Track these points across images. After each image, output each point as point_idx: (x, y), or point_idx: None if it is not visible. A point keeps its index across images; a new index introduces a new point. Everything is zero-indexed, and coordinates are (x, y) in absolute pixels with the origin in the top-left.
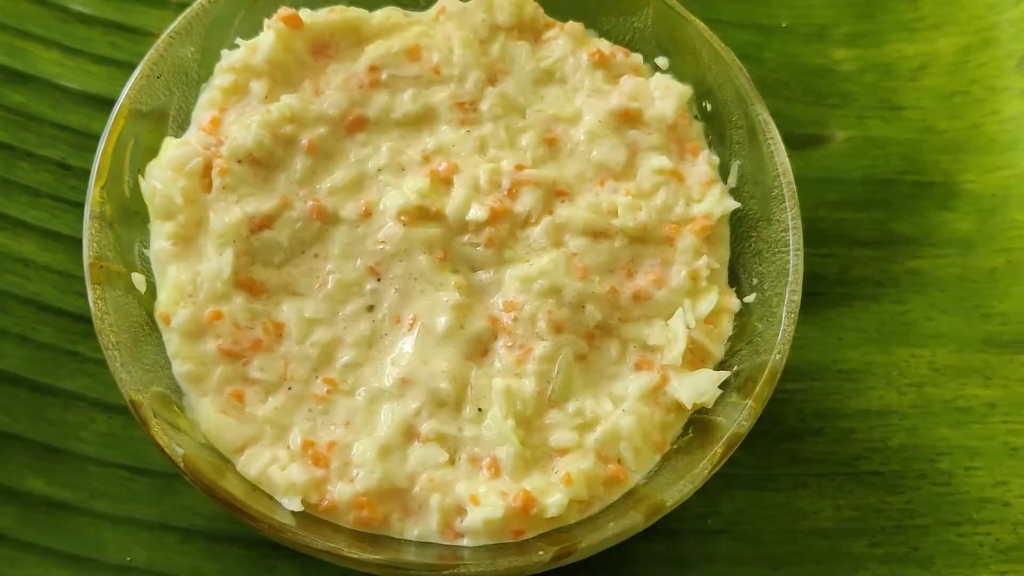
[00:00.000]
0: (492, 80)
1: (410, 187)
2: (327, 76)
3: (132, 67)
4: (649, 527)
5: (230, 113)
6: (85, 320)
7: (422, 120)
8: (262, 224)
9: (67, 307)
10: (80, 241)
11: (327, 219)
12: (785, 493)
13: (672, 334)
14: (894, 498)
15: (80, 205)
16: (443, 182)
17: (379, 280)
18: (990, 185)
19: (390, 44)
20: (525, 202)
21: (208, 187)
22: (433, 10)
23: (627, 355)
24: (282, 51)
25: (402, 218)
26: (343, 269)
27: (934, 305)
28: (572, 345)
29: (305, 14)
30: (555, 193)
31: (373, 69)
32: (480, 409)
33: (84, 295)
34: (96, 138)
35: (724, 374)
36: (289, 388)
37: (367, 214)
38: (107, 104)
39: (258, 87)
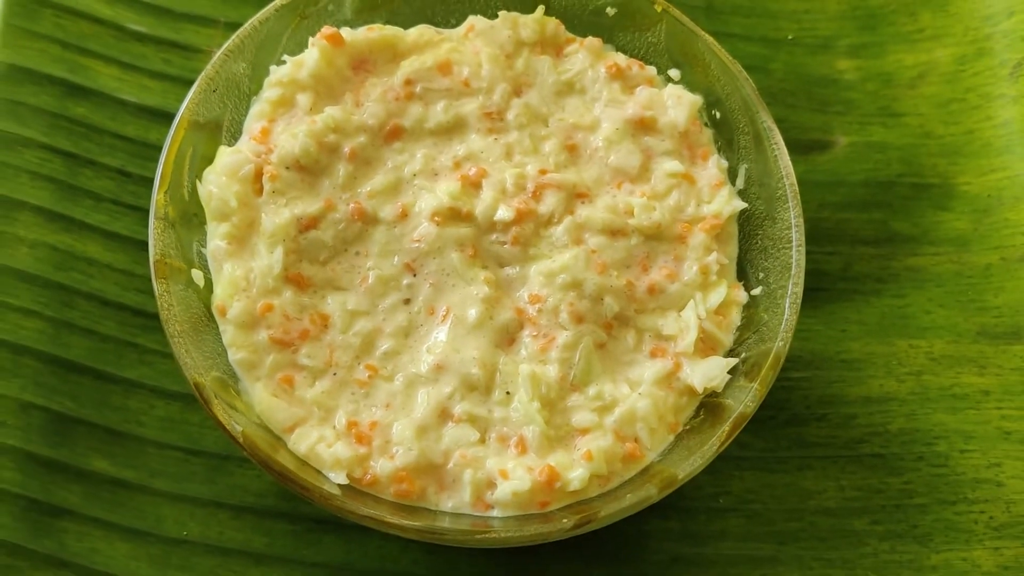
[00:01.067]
0: (517, 92)
1: (443, 190)
2: (366, 89)
3: (185, 81)
4: (664, 506)
5: (278, 124)
6: (144, 315)
7: (453, 129)
8: (308, 225)
9: (128, 303)
10: (139, 242)
11: (367, 220)
12: (791, 474)
13: (684, 324)
14: (894, 479)
15: (138, 209)
16: (473, 186)
17: (415, 275)
18: (985, 187)
19: (423, 59)
20: (548, 203)
21: (259, 191)
22: (462, 28)
23: (643, 343)
24: (325, 66)
25: (436, 219)
26: (382, 266)
27: (932, 299)
28: (592, 334)
29: (346, 32)
30: (575, 195)
31: (408, 83)
32: (508, 392)
33: (144, 291)
34: (152, 147)
35: (733, 361)
36: (334, 374)
37: (404, 215)
38: (162, 116)
39: (304, 99)
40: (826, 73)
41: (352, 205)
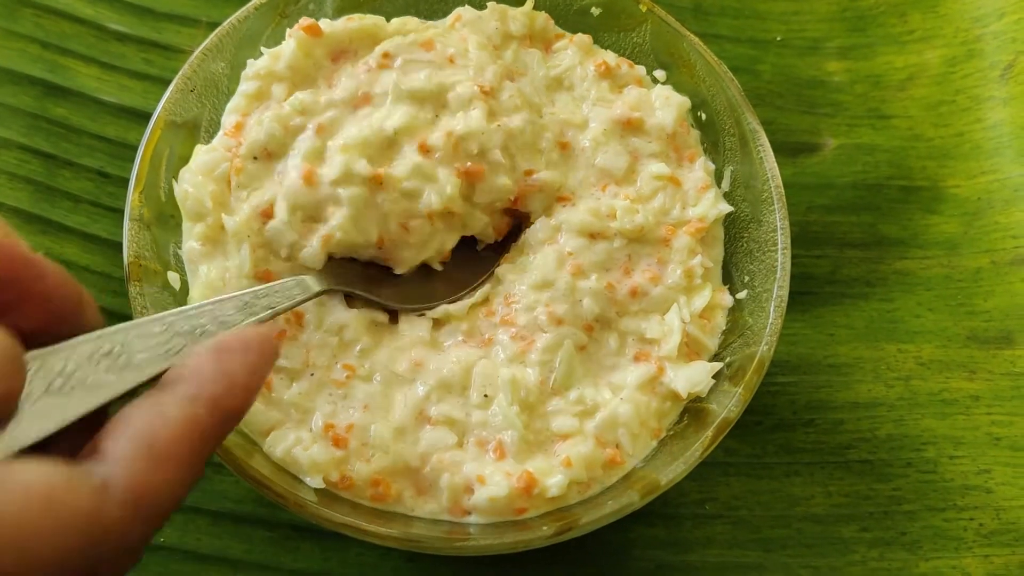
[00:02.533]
0: (510, 77)
1: None
2: (339, 74)
3: (165, 82)
4: (649, 512)
5: (252, 117)
6: (122, 318)
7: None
8: (267, 213)
9: (106, 305)
10: (117, 244)
11: None
12: (779, 480)
13: (668, 328)
14: (882, 485)
15: (117, 211)
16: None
17: None
18: (975, 189)
19: (406, 38)
20: (528, 204)
21: None
22: (449, 18)
23: (625, 347)
24: (303, 57)
25: None
26: None
27: (921, 303)
28: (572, 337)
29: (324, 23)
30: (557, 199)
31: (386, 56)
32: (486, 395)
33: (122, 294)
34: (132, 148)
35: (717, 365)
36: (311, 374)
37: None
38: (142, 116)
39: (279, 91)
40: (815, 75)
41: None
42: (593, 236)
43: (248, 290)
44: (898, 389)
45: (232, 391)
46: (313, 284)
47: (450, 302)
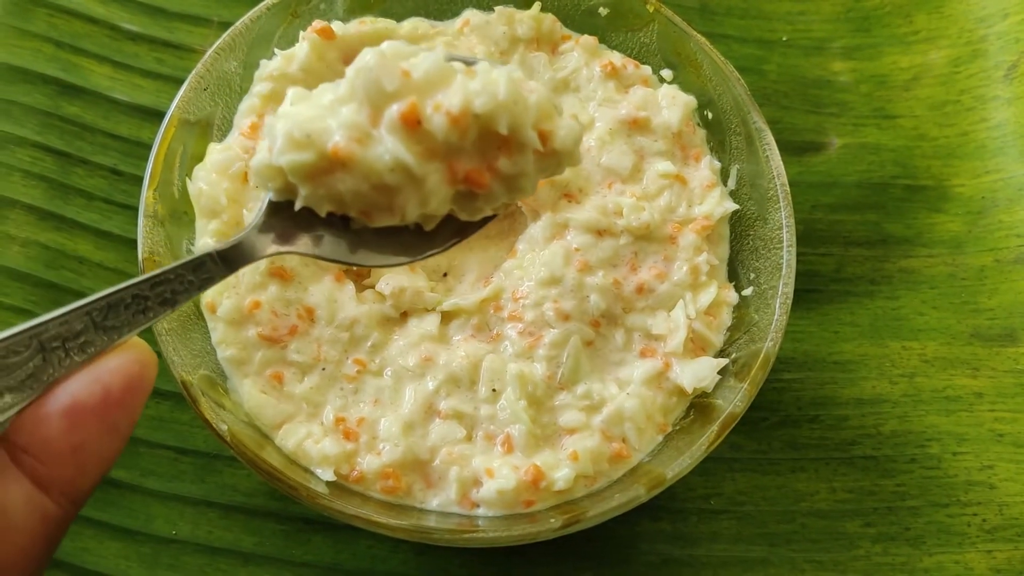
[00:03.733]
0: None
1: None
2: None
3: (177, 81)
4: (655, 507)
5: (267, 118)
6: None
7: None
8: None
9: None
10: (130, 241)
11: None
12: (784, 476)
13: (674, 324)
14: (886, 481)
15: (130, 207)
16: None
17: None
18: (979, 188)
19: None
20: (535, 201)
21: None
22: (458, 21)
23: (632, 343)
24: (315, 60)
25: None
26: None
27: (925, 301)
28: (579, 332)
29: (337, 26)
30: (563, 196)
31: None
32: (495, 390)
33: None
34: (144, 146)
35: (723, 361)
36: (323, 369)
37: None
38: (154, 115)
39: None
40: (820, 75)
41: None
42: (600, 233)
43: (136, 279)
44: (902, 386)
45: (84, 471)
46: (218, 267)
47: (409, 261)
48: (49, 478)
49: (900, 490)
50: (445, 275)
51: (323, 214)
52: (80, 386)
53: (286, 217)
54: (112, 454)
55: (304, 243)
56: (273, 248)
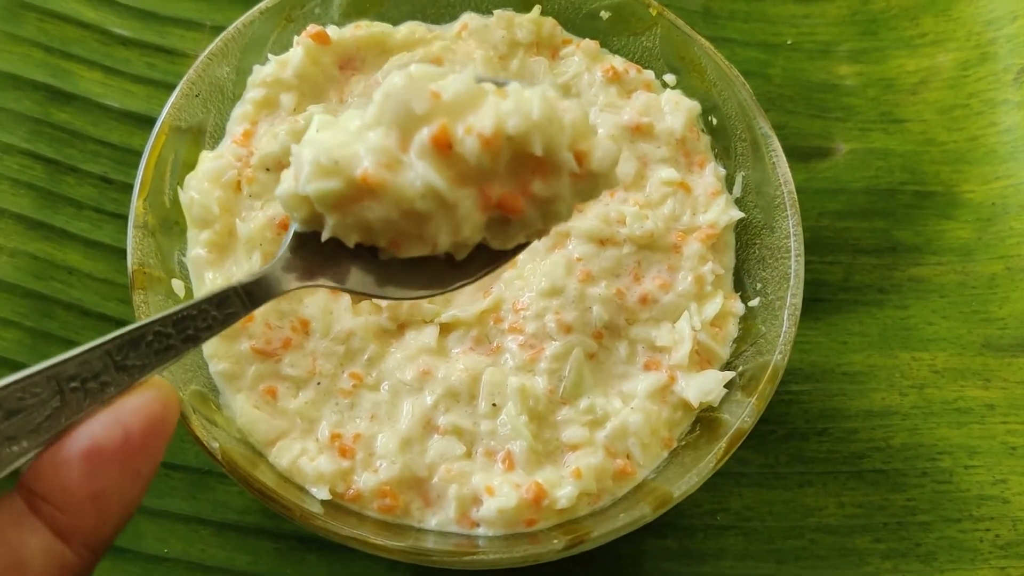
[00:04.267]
0: None
1: None
2: (351, 86)
3: (169, 86)
4: (660, 524)
5: (261, 125)
6: (126, 324)
7: None
8: (283, 224)
9: (109, 312)
10: (121, 250)
11: None
12: (791, 491)
13: (679, 336)
14: (897, 496)
15: (121, 216)
16: None
17: None
18: (989, 195)
19: (413, 55)
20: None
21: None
22: (456, 25)
23: (636, 355)
24: (310, 65)
25: None
26: None
27: (935, 310)
28: (582, 344)
29: (332, 31)
30: None
31: None
32: (495, 405)
33: (125, 301)
34: (135, 153)
35: (729, 374)
36: (318, 383)
37: None
38: (146, 121)
39: (288, 100)
40: (826, 79)
41: None
42: (602, 242)
43: (158, 315)
44: (912, 398)
45: (105, 519)
46: (242, 301)
47: (442, 292)
48: (69, 528)
49: (911, 505)
50: None
51: (351, 244)
52: (99, 429)
53: (312, 250)
54: (134, 500)
55: (330, 276)
56: (298, 283)
